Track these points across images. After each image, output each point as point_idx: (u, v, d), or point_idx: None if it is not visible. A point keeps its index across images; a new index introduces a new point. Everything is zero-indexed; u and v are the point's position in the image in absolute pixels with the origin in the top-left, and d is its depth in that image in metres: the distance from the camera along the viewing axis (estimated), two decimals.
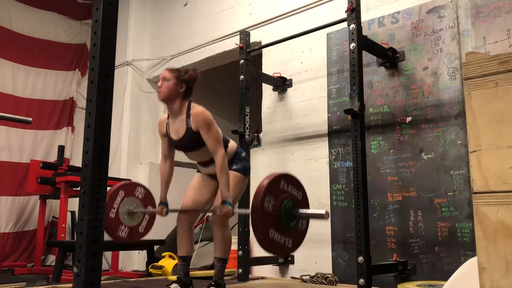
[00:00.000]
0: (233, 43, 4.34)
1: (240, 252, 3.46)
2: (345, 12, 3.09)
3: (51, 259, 5.87)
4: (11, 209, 5.79)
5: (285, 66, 4.33)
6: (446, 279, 2.02)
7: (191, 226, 2.68)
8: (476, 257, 1.28)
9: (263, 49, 4.38)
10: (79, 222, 1.42)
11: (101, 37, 1.48)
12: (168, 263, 4.08)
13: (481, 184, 1.29)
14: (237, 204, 2.78)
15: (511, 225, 1.22)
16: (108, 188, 1.82)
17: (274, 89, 4.36)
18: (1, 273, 5.07)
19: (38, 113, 6.19)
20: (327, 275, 3.45)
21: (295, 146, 4.11)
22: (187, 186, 2.73)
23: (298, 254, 3.87)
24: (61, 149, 5.70)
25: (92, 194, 1.41)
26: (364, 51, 3.16)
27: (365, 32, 3.27)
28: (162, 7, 6.00)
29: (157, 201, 2.67)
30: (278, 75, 4.24)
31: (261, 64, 4.55)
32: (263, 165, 4.18)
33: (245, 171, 2.63)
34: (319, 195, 3.81)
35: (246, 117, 3.75)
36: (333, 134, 3.86)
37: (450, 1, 3.34)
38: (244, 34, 3.91)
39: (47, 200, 5.63)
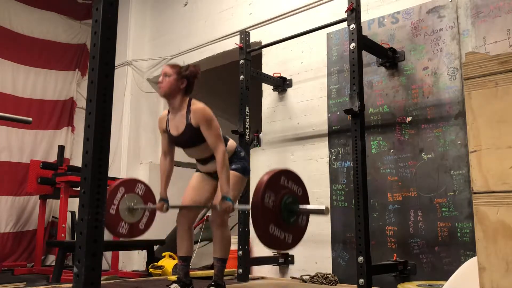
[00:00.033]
0: (233, 43, 4.34)
1: (240, 252, 3.46)
2: (345, 12, 3.09)
3: (51, 259, 5.87)
4: (11, 209, 5.79)
5: (285, 66, 4.33)
6: (446, 279, 2.02)
7: (191, 226, 2.68)
8: (476, 257, 1.28)
9: (263, 49, 4.38)
10: (79, 222, 1.42)
11: (101, 37, 1.48)
12: (168, 263, 4.08)
13: (481, 184, 1.29)
14: (237, 202, 2.78)
15: (511, 225, 1.22)
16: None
17: (274, 89, 4.36)
18: (1, 273, 5.07)
19: (38, 113, 6.19)
20: (327, 275, 3.45)
21: (295, 146, 4.11)
22: (186, 186, 2.73)
23: (298, 254, 3.87)
24: (61, 149, 5.70)
25: (92, 194, 1.41)
26: (364, 51, 3.16)
27: (365, 32, 3.27)
28: (162, 7, 6.00)
29: (157, 198, 2.68)
30: (278, 75, 4.24)
31: (261, 64, 4.55)
32: (263, 165, 4.18)
33: (244, 171, 2.63)
34: (319, 195, 3.81)
35: (246, 117, 3.75)
36: (333, 134, 3.86)
37: (450, 1, 3.34)
38: (244, 34, 3.91)
39: (47, 200, 5.63)
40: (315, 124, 4.01)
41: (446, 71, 3.30)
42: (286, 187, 2.17)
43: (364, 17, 3.58)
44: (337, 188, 3.75)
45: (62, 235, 4.77)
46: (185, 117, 2.50)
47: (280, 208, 2.10)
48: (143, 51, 6.04)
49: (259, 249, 4.06)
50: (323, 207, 2.09)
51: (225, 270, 2.70)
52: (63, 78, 6.64)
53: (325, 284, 3.39)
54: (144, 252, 4.79)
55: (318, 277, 3.46)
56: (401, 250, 3.28)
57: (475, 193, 1.30)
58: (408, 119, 3.43)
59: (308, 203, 2.29)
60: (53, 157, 6.02)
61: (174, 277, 3.06)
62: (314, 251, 3.77)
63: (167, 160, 2.70)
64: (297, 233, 2.23)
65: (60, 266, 3.97)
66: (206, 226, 4.75)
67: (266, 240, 2.08)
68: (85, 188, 1.42)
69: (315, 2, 4.22)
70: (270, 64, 4.48)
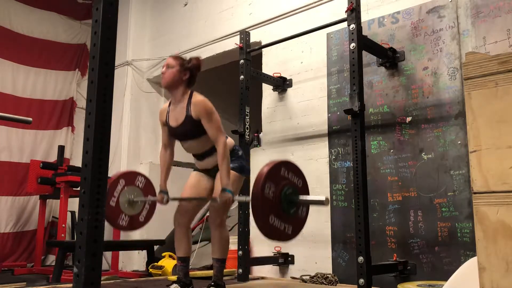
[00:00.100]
0: (233, 43, 4.34)
1: (240, 252, 3.46)
2: (345, 12, 3.09)
3: (51, 259, 5.87)
4: (11, 209, 5.79)
5: (285, 66, 4.33)
6: (446, 279, 2.02)
7: (188, 226, 2.68)
8: (476, 257, 1.28)
9: (263, 49, 4.38)
10: (79, 222, 1.43)
11: (101, 37, 1.48)
12: (168, 263, 4.08)
13: (481, 184, 1.29)
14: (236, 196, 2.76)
15: (511, 225, 1.22)
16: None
17: (274, 89, 4.36)
18: (1, 273, 5.08)
19: (38, 113, 6.19)
20: (327, 275, 3.45)
21: (295, 146, 4.11)
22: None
23: (298, 254, 3.88)
24: (61, 149, 5.71)
25: (92, 194, 1.41)
26: (364, 51, 3.16)
27: (365, 32, 3.27)
28: (162, 7, 6.00)
29: (157, 191, 2.69)
30: (278, 75, 4.24)
31: (261, 64, 4.55)
32: (263, 165, 4.17)
33: (241, 170, 2.62)
34: (319, 195, 3.80)
35: (246, 117, 3.75)
36: (333, 134, 3.86)
37: (450, 1, 3.34)
38: (244, 34, 3.91)
39: (47, 200, 5.63)
40: (315, 124, 4.01)
41: (446, 71, 3.30)
42: (286, 178, 2.18)
43: (364, 17, 3.58)
44: (337, 188, 3.75)
45: (62, 235, 4.77)
46: (185, 109, 2.50)
47: (280, 199, 2.11)
48: (143, 51, 6.04)
49: (259, 249, 4.07)
50: (323, 198, 2.10)
51: (225, 270, 2.70)
52: (63, 78, 6.64)
53: (325, 284, 3.39)
54: (144, 252, 4.79)
55: (318, 277, 3.45)
56: (401, 250, 3.28)
57: (475, 193, 1.30)
58: (408, 119, 3.43)
59: (308, 194, 2.29)
60: (53, 157, 6.02)
61: (174, 277, 3.06)
62: (314, 251, 3.77)
63: (167, 152, 2.70)
64: (297, 224, 2.23)
65: (60, 266, 3.97)
66: (205, 226, 4.75)
67: (266, 231, 2.08)
68: (85, 188, 1.42)
69: (315, 2, 4.22)
70: (270, 64, 4.48)
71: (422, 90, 3.39)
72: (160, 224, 4.22)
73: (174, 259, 4.10)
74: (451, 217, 3.10)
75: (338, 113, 3.82)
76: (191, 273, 2.97)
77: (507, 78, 1.29)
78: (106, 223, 1.50)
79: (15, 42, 6.16)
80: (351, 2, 3.05)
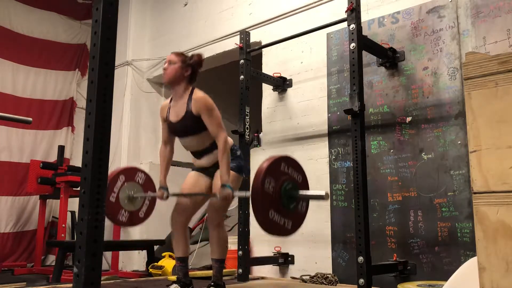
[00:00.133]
0: (233, 43, 4.34)
1: (240, 252, 3.46)
2: (345, 12, 3.09)
3: (51, 259, 5.87)
4: (11, 209, 5.79)
5: (285, 66, 4.33)
6: (446, 279, 2.02)
7: (186, 226, 2.67)
8: (476, 257, 1.28)
9: (263, 49, 4.38)
10: (79, 222, 1.43)
11: (101, 37, 1.48)
12: (168, 263, 4.08)
13: (481, 184, 1.29)
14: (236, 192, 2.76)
15: (511, 225, 1.22)
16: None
17: (274, 89, 4.36)
18: (1, 273, 5.08)
19: (38, 113, 6.20)
20: (327, 275, 3.45)
21: (295, 146, 4.11)
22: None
23: (298, 254, 3.88)
24: (61, 149, 5.71)
25: (92, 194, 1.41)
26: (364, 51, 3.16)
27: (365, 32, 3.27)
28: (162, 7, 6.00)
29: (157, 187, 2.69)
30: (278, 75, 4.24)
31: (261, 64, 4.55)
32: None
33: (239, 169, 2.62)
34: None
35: (246, 117, 3.75)
36: (333, 134, 3.86)
37: (450, 1, 3.34)
38: (244, 34, 3.91)
39: (47, 200, 5.63)
40: (315, 124, 4.01)
41: (446, 71, 3.30)
42: (286, 173, 2.18)
43: (364, 17, 3.58)
44: (337, 188, 3.75)
45: (62, 235, 4.77)
46: (186, 105, 2.50)
47: (280, 194, 2.11)
48: (143, 51, 6.04)
49: (259, 249, 4.07)
50: (323, 193, 2.10)
51: (225, 270, 2.70)
52: (63, 78, 6.65)
53: (325, 284, 3.39)
54: (144, 252, 4.79)
55: (318, 277, 3.46)
56: (401, 250, 3.28)
57: (475, 193, 1.30)
58: (408, 119, 3.43)
59: (308, 189, 2.29)
60: (53, 157, 6.02)
61: (174, 277, 3.06)
62: (314, 251, 3.77)
63: (167, 149, 2.71)
64: (297, 219, 2.23)
65: (60, 266, 3.97)
66: (205, 226, 4.75)
67: (266, 226, 2.08)
68: (85, 188, 1.42)
69: (315, 2, 4.22)
70: (270, 64, 4.48)
71: (422, 90, 3.39)
72: (160, 224, 4.23)
73: (174, 259, 4.10)
74: (451, 217, 3.10)
75: (338, 113, 3.82)
76: (191, 273, 2.97)
77: (507, 78, 1.29)
78: (106, 221, 1.50)
79: (15, 42, 6.16)
80: (351, 2, 3.05)
